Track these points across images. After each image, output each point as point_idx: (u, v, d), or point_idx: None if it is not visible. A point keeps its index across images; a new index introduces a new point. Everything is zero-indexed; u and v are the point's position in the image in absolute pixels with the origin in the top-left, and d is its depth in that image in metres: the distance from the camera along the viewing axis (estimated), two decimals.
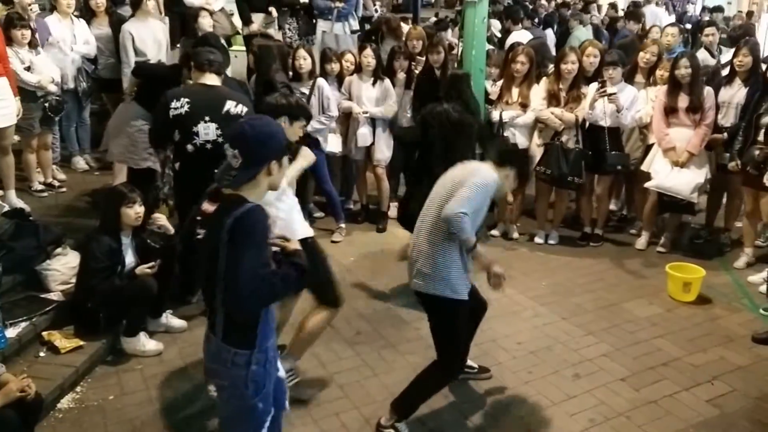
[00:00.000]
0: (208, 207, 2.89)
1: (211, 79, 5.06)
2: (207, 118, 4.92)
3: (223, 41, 6.97)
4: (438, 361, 4.04)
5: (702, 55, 7.95)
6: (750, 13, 13.85)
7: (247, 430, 3.04)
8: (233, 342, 2.88)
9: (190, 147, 4.96)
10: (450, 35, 11.05)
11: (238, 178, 2.83)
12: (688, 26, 13.74)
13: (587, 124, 6.62)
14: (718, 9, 13.98)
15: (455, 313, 3.95)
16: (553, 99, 6.71)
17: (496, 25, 11.21)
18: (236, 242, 2.72)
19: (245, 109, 5.03)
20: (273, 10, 8.56)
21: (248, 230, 2.74)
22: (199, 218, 2.94)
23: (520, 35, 9.56)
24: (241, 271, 2.70)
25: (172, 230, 5.07)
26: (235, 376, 2.91)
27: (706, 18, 12.95)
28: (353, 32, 8.99)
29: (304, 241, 4.36)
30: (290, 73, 6.81)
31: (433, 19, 12.85)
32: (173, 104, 4.91)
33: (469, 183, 3.83)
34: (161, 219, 5.08)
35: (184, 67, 5.63)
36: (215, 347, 2.93)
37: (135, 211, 4.90)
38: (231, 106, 4.97)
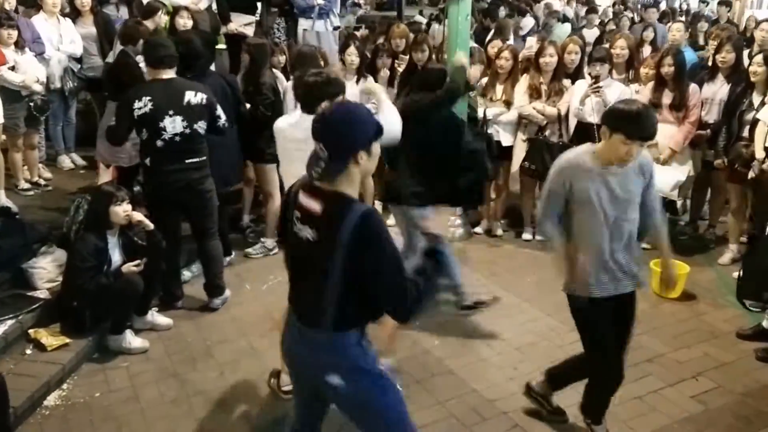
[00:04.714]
0: (310, 203, 2.72)
1: (167, 74, 5.14)
2: (171, 112, 5.01)
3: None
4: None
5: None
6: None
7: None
8: (343, 328, 2.76)
9: (159, 143, 5.05)
10: None
11: (327, 172, 2.66)
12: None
13: (575, 120, 6.61)
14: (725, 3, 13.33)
15: None
16: (534, 93, 6.72)
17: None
18: (366, 249, 2.59)
19: (204, 97, 5.17)
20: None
21: (374, 237, 2.61)
22: (298, 214, 2.77)
23: None
24: (386, 279, 2.64)
25: (150, 225, 5.04)
26: (355, 356, 2.81)
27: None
28: (335, 29, 9.01)
29: None
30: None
31: (420, 18, 12.75)
32: (136, 104, 4.99)
33: None
34: (137, 215, 5.05)
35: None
36: (326, 339, 2.78)
37: (124, 209, 4.91)
38: (191, 97, 5.11)
